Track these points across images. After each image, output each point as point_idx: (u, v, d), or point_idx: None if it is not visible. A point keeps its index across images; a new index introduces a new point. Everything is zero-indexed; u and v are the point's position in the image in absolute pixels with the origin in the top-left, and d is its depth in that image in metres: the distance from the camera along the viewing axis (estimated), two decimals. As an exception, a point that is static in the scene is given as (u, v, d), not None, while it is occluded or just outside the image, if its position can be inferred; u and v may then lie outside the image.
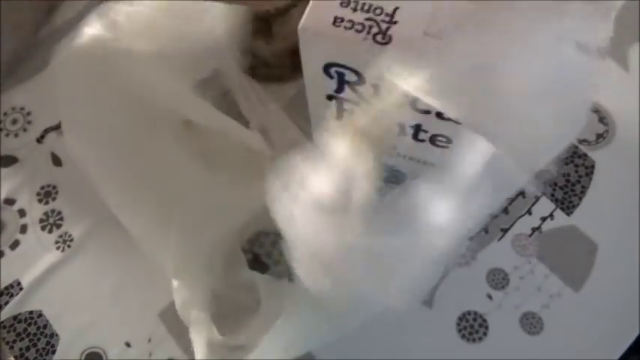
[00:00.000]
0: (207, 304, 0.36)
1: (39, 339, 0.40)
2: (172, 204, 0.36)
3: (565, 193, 0.41)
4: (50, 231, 0.43)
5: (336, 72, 0.25)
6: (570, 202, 0.41)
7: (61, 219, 0.43)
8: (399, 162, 0.31)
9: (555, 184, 0.41)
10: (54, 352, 0.40)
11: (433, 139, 0.28)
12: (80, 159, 0.36)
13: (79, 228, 0.42)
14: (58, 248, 0.42)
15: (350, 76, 0.25)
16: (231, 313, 0.37)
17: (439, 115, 0.25)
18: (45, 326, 0.40)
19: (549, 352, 0.38)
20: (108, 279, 0.41)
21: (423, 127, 0.27)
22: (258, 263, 0.41)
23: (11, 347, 0.40)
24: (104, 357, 0.39)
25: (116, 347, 0.40)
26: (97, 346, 0.40)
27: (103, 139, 0.36)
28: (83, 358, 0.40)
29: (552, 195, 0.41)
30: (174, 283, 0.36)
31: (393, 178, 0.33)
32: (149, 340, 0.40)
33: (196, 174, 0.38)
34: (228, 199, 0.37)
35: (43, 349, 0.40)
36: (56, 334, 0.40)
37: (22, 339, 0.40)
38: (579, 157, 0.42)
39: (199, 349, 0.35)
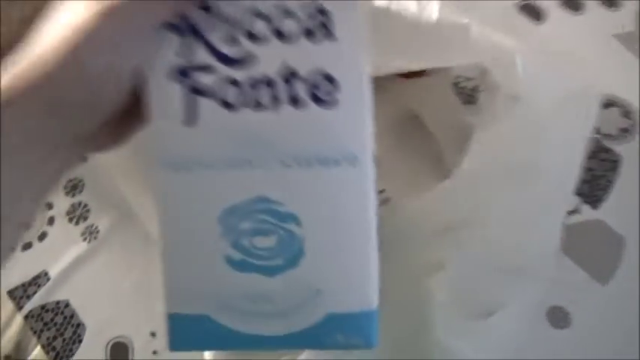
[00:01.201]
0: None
1: (65, 329, 0.40)
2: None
3: (590, 187, 0.41)
4: (77, 223, 0.43)
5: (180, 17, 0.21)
6: (595, 195, 0.41)
7: (88, 211, 0.44)
8: None
9: (581, 179, 0.41)
10: (80, 341, 0.40)
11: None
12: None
13: (105, 220, 0.43)
14: (84, 240, 0.43)
15: (197, 17, 0.21)
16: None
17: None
18: (72, 316, 0.41)
19: (576, 347, 0.38)
20: (134, 270, 0.42)
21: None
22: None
23: (39, 336, 0.40)
24: (130, 347, 0.40)
25: (142, 337, 0.40)
26: (123, 336, 0.40)
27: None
28: (109, 348, 0.40)
29: (578, 189, 0.41)
30: None
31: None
32: (174, 331, 0.40)
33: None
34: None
35: (70, 338, 0.40)
36: (82, 324, 0.40)
37: (49, 328, 0.40)
38: (604, 151, 0.42)
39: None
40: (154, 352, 0.40)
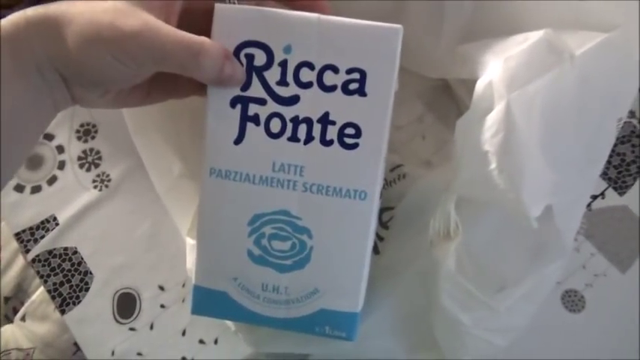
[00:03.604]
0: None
1: (73, 275, 0.40)
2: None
3: (619, 172, 0.40)
4: (88, 169, 0.42)
5: (246, 56, 0.27)
6: (624, 182, 0.40)
7: (100, 158, 0.42)
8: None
9: (609, 163, 0.40)
10: (87, 289, 0.39)
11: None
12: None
13: (118, 169, 0.42)
14: (95, 187, 0.42)
15: (259, 59, 0.27)
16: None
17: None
18: (79, 264, 0.40)
19: (589, 331, 0.38)
20: (144, 222, 0.41)
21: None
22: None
23: (45, 281, 0.40)
24: (137, 298, 0.39)
25: (150, 290, 0.39)
26: (131, 287, 0.39)
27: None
28: (116, 297, 0.39)
29: (605, 174, 0.40)
30: (189, 241, 0.35)
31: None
32: (183, 286, 0.39)
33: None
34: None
35: (77, 285, 0.39)
36: (90, 272, 0.40)
37: (57, 274, 0.40)
38: (637, 136, 0.41)
39: None
40: (162, 306, 0.39)
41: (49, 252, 0.40)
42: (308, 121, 0.27)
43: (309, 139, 0.27)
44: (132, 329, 0.39)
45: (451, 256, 0.31)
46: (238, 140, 0.27)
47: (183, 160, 0.36)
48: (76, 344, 0.42)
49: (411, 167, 0.39)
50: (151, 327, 0.39)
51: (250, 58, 0.27)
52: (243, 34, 0.27)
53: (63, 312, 0.39)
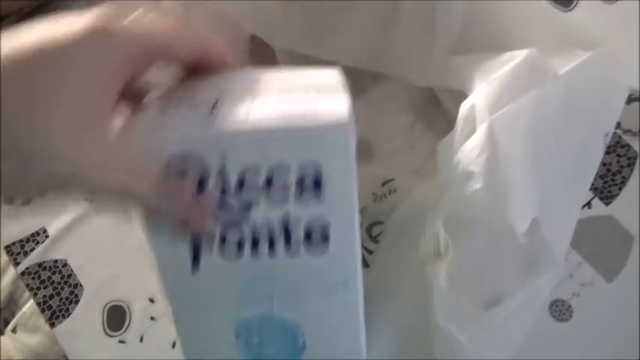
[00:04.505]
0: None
1: (62, 288, 0.40)
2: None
3: (605, 182, 0.41)
4: (78, 181, 0.42)
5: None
6: (609, 191, 0.40)
7: (90, 170, 0.42)
8: None
9: (595, 173, 0.41)
10: (77, 302, 0.39)
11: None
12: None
13: (108, 180, 0.42)
14: (85, 199, 0.41)
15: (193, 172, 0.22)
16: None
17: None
18: (69, 276, 0.40)
19: (576, 340, 0.38)
20: (134, 233, 0.41)
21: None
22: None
23: (34, 294, 0.40)
24: (127, 310, 0.39)
25: (140, 302, 0.39)
26: (121, 300, 0.39)
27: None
28: (106, 310, 0.39)
29: (591, 184, 0.40)
30: None
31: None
32: (173, 298, 0.39)
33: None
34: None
35: (67, 298, 0.40)
36: (80, 285, 0.40)
37: (46, 287, 0.40)
38: (622, 147, 0.41)
39: None
40: (152, 318, 0.39)
41: (39, 264, 0.40)
42: (267, 233, 0.24)
43: (272, 252, 0.24)
44: (121, 342, 0.39)
45: (443, 275, 0.31)
46: (194, 269, 0.24)
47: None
48: (66, 356, 0.42)
49: (402, 181, 0.39)
50: (141, 339, 0.39)
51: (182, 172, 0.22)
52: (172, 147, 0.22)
53: (52, 325, 0.39)
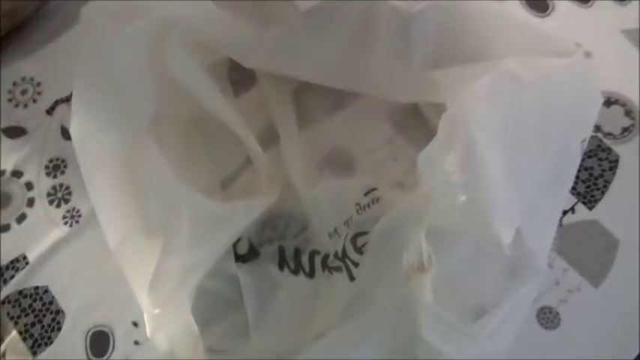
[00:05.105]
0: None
1: (44, 315, 0.39)
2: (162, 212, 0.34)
3: (587, 187, 0.40)
4: (58, 205, 0.42)
5: None
6: (592, 196, 0.40)
7: (70, 194, 0.42)
8: None
9: (578, 178, 0.41)
10: (59, 329, 0.39)
11: None
12: (76, 139, 0.34)
13: (88, 204, 0.41)
14: (65, 223, 0.41)
15: None
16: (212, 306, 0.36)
17: None
18: (51, 302, 0.39)
19: (565, 348, 0.38)
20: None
21: None
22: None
23: (16, 322, 0.39)
24: (111, 335, 0.39)
25: (123, 326, 0.39)
26: (104, 325, 0.39)
27: (103, 125, 0.34)
28: (89, 336, 0.39)
29: (574, 189, 0.40)
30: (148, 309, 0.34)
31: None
32: (157, 321, 0.39)
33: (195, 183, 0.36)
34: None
35: (49, 325, 0.39)
36: (62, 311, 0.39)
37: (27, 314, 0.39)
38: (603, 150, 0.41)
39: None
40: (136, 343, 0.38)
41: (20, 292, 0.39)
42: None
43: None
44: (106, 367, 0.38)
45: (427, 288, 0.31)
46: None
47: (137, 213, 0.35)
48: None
49: (385, 190, 0.39)
50: (126, 364, 0.38)
51: None
52: None
53: (35, 354, 0.38)
